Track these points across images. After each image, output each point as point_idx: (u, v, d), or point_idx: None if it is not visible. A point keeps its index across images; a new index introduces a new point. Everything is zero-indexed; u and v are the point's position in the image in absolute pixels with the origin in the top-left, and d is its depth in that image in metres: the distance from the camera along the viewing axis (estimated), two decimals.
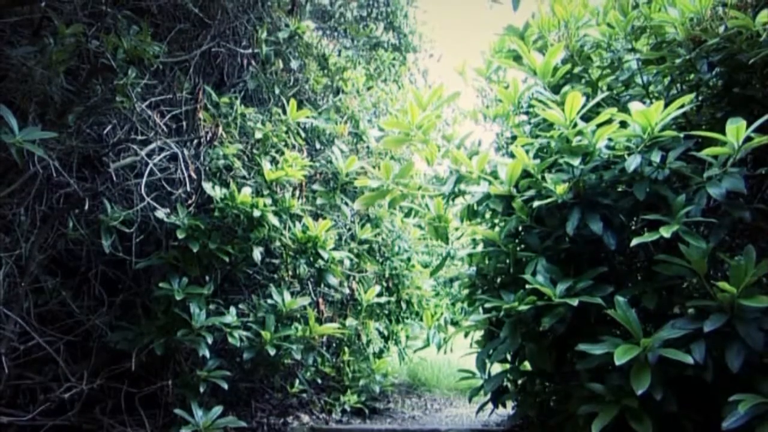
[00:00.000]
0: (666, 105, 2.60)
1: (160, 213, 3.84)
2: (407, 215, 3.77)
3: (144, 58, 3.79)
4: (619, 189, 2.92)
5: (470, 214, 3.34)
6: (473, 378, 3.72)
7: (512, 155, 3.03)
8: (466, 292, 3.85)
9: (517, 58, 3.39)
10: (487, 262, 3.50)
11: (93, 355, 3.97)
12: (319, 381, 4.86)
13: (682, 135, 2.73)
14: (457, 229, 3.38)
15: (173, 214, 3.85)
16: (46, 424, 3.73)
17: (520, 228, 3.22)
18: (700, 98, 3.02)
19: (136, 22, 3.85)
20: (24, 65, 3.58)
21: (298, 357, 4.10)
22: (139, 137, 4.02)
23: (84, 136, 3.94)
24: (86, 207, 3.82)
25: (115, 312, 4.04)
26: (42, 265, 3.83)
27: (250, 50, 4.51)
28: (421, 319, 6.00)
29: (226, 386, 3.81)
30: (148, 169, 3.90)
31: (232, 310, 4.01)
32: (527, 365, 3.36)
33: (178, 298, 3.73)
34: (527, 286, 2.86)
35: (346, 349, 5.03)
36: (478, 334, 3.82)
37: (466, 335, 4.01)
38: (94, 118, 3.98)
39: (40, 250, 3.79)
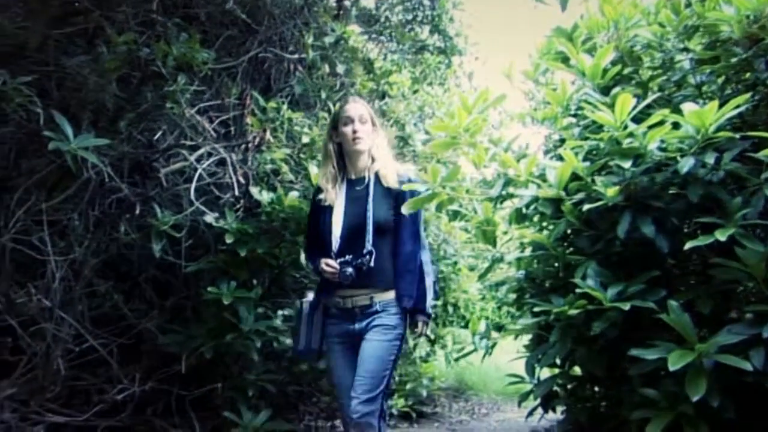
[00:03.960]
0: (720, 105, 2.54)
1: (209, 217, 3.88)
2: (453, 219, 3.75)
3: (193, 65, 3.86)
4: (672, 191, 2.85)
5: (519, 217, 3.31)
6: (522, 383, 3.69)
7: (561, 158, 2.99)
8: (514, 296, 3.82)
9: (565, 60, 3.35)
10: (535, 265, 3.46)
11: (144, 358, 4.04)
12: None
13: (737, 136, 2.66)
14: (505, 232, 3.35)
15: (222, 219, 3.89)
16: (100, 425, 3.81)
17: (569, 231, 3.18)
18: (756, 98, 2.93)
19: (185, 30, 3.92)
20: (79, 73, 3.67)
21: None
22: (189, 142, 4.08)
23: (135, 142, 4.02)
24: (137, 212, 3.89)
25: (165, 315, 4.11)
26: (95, 269, 3.91)
27: (296, 55, 4.55)
28: (466, 326, 5.96)
29: (274, 390, 3.84)
30: (197, 174, 3.95)
31: (280, 313, 4.04)
32: (577, 370, 3.31)
33: (226, 302, 3.77)
34: (577, 290, 2.81)
35: None
36: (526, 338, 3.78)
37: (516, 338, 3.97)
38: (144, 124, 4.06)
39: (94, 255, 3.87)
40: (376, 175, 3.20)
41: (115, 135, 3.84)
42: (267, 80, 4.60)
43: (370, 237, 3.07)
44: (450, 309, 5.63)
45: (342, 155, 3.30)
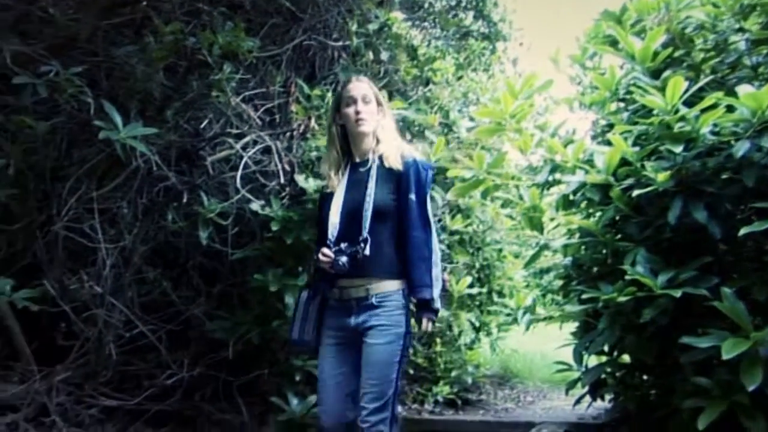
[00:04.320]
0: None
1: (255, 205, 3.91)
2: (502, 206, 3.72)
3: (238, 53, 3.87)
4: (725, 176, 2.80)
5: (566, 203, 3.27)
6: (569, 370, 3.65)
7: (609, 143, 2.96)
8: (560, 282, 3.78)
9: (614, 44, 3.30)
10: (583, 252, 3.43)
11: (192, 344, 4.11)
12: (411, 372, 4.87)
13: None
14: (552, 219, 3.32)
15: (267, 206, 3.91)
16: (150, 409, 3.89)
17: (617, 217, 3.13)
18: None
19: (230, 18, 3.94)
20: (127, 63, 3.73)
21: None
22: (234, 131, 4.12)
23: (182, 131, 4.08)
24: (184, 200, 3.95)
25: (212, 302, 4.16)
26: (144, 257, 3.97)
27: (340, 42, 4.55)
28: (510, 315, 5.92)
29: None
30: (243, 162, 3.98)
31: None
32: (626, 357, 3.27)
33: (273, 288, 3.79)
34: (626, 277, 2.78)
35: (438, 340, 5.02)
36: (573, 326, 3.75)
37: (561, 325, 3.93)
38: (191, 113, 4.11)
39: (143, 242, 3.94)
40: (380, 157, 2.95)
41: (162, 124, 3.90)
42: (311, 68, 4.61)
43: (367, 223, 2.82)
44: (495, 296, 5.59)
45: (346, 138, 3.05)
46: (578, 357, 3.45)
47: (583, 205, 3.32)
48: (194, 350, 4.10)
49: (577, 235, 3.34)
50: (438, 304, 2.87)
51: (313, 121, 4.13)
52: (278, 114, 4.30)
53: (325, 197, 3.04)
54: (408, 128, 4.85)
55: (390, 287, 2.84)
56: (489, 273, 5.51)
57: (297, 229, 3.87)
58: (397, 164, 2.89)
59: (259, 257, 4.00)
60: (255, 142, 4.08)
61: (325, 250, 2.84)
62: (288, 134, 4.22)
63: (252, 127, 4.13)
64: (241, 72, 4.01)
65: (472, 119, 5.18)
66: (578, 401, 3.55)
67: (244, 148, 4.04)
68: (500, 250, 5.53)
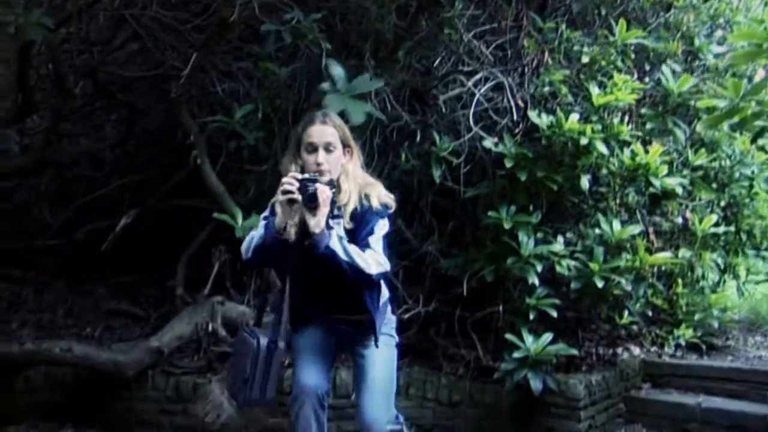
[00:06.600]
0: None
1: (488, 142, 3.89)
2: (758, 136, 3.35)
3: None
4: None
5: None
6: None
7: None
8: None
9: None
10: None
11: (427, 280, 4.21)
12: (649, 313, 4.65)
13: None
14: None
15: (500, 144, 3.88)
16: None
17: None
18: None
19: None
20: (360, 6, 3.81)
21: (628, 288, 3.96)
22: (465, 68, 4.12)
23: (413, 71, 4.13)
24: (417, 139, 4.02)
25: (445, 240, 4.23)
26: None
27: None
28: (759, 255, 5.42)
29: (555, 314, 3.80)
30: (474, 100, 3.97)
31: (560, 238, 3.95)
32: None
33: (506, 226, 3.78)
34: None
35: (679, 281, 4.73)
36: None
37: None
38: (422, 52, 4.14)
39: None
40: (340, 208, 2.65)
41: (394, 64, 3.96)
42: (543, 0, 4.45)
43: None
44: (743, 236, 5.14)
45: None
46: None
47: None
48: (429, 286, 4.20)
49: None
50: (329, 240, 2.46)
51: (546, 54, 4.01)
52: (510, 49, 4.21)
53: (278, 242, 2.55)
54: (647, 58, 4.56)
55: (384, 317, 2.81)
56: (737, 211, 5.06)
57: (530, 166, 3.83)
58: (351, 224, 2.62)
59: (491, 195, 4.00)
60: (486, 79, 4.05)
61: (288, 178, 2.47)
62: (520, 69, 4.14)
63: (483, 63, 4.09)
64: (471, 8, 3.97)
65: (720, 44, 4.73)
66: None
67: (476, 85, 4.02)
68: (751, 187, 5.05)
